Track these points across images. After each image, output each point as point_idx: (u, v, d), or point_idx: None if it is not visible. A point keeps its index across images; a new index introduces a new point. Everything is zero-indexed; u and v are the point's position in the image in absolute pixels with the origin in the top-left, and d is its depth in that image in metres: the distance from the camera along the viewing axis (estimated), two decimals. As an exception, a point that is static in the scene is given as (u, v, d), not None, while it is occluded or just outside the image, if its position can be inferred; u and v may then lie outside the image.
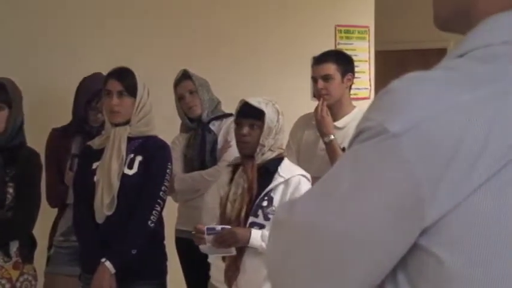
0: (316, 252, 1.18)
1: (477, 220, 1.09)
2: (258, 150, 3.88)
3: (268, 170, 3.88)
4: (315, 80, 4.66)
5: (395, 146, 1.10)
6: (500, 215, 1.09)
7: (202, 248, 3.88)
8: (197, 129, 4.94)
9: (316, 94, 4.70)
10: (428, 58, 9.14)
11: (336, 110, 4.61)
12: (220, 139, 4.89)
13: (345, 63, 4.69)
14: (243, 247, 3.77)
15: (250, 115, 3.88)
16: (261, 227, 3.77)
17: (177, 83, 4.96)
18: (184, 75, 4.94)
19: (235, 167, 4.03)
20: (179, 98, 4.94)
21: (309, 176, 3.91)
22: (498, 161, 1.09)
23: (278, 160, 3.93)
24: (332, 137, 4.46)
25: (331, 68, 4.60)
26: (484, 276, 1.10)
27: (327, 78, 4.58)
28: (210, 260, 4.05)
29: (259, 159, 3.90)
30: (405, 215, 1.11)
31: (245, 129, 3.87)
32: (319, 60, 4.68)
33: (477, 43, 1.19)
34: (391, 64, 8.92)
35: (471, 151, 1.08)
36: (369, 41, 7.31)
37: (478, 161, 1.08)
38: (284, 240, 1.25)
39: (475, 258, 1.10)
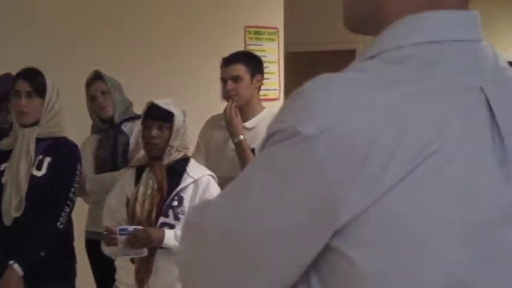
0: (229, 255, 1.18)
1: (390, 220, 1.10)
2: (166, 151, 3.89)
3: (176, 170, 3.90)
4: (224, 80, 4.67)
5: (308, 148, 1.10)
6: (412, 216, 1.10)
7: (109, 251, 3.86)
8: (109, 130, 4.90)
9: (226, 95, 4.71)
10: (338, 59, 9.24)
11: (246, 110, 4.62)
12: (132, 140, 4.85)
13: (254, 64, 4.71)
14: (154, 248, 3.77)
15: (158, 117, 3.88)
16: (172, 227, 3.78)
17: (89, 84, 4.90)
18: (96, 76, 4.89)
19: (138, 168, 4.01)
20: (91, 99, 4.89)
21: (215, 176, 3.95)
22: (411, 162, 1.09)
23: (185, 160, 3.96)
24: (241, 137, 4.47)
25: (240, 69, 4.61)
26: (396, 276, 1.11)
27: (236, 79, 4.59)
28: (116, 262, 4.02)
29: (167, 159, 3.90)
30: (319, 217, 1.11)
31: (154, 131, 3.87)
32: (228, 61, 4.69)
33: (388, 45, 1.20)
34: (301, 65, 9.01)
35: (384, 152, 1.09)
36: (278, 42, 7.35)
37: (390, 162, 1.09)
38: (196, 244, 1.25)
39: (387, 258, 1.11)
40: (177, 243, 3.66)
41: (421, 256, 1.11)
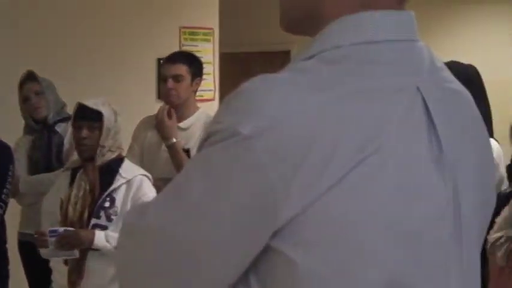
0: (168, 256, 1.17)
1: (329, 220, 1.10)
2: (98, 151, 3.87)
3: (110, 171, 3.88)
4: (164, 78, 4.66)
5: (248, 148, 1.09)
6: (351, 215, 1.11)
7: (43, 252, 3.83)
8: (42, 131, 4.85)
9: (164, 93, 4.71)
10: (273, 60, 9.29)
11: (181, 111, 4.62)
12: (66, 141, 4.81)
13: (196, 67, 4.73)
14: (86, 249, 3.74)
15: (87, 117, 3.86)
16: (104, 228, 3.76)
17: (22, 84, 4.84)
18: (30, 77, 4.83)
19: (74, 170, 3.98)
20: (24, 100, 4.83)
21: (150, 176, 3.94)
22: (349, 161, 1.10)
23: (119, 160, 3.94)
24: (174, 140, 4.48)
25: (183, 69, 4.62)
26: (335, 275, 1.12)
27: (177, 78, 4.59)
28: (51, 264, 3.98)
29: (100, 160, 3.88)
30: (258, 217, 1.11)
31: (84, 132, 3.85)
32: (172, 59, 4.69)
33: (326, 45, 1.20)
34: (237, 66, 9.02)
35: (322, 151, 1.09)
36: (213, 42, 7.35)
37: (329, 162, 1.09)
38: (135, 245, 1.23)
39: (327, 258, 1.11)
40: (107, 244, 3.67)
41: (361, 256, 1.12)
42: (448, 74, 1.32)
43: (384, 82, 1.18)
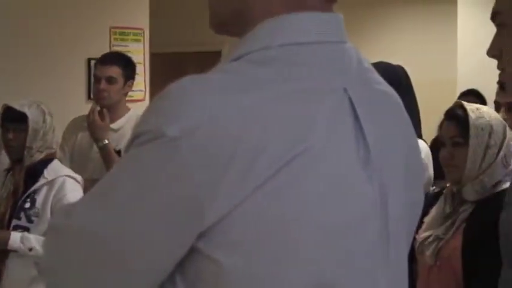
0: (95, 255, 1.17)
1: (257, 221, 1.11)
2: (25, 153, 3.86)
3: (35, 172, 3.88)
4: (97, 79, 4.63)
5: (174, 149, 1.10)
6: (278, 216, 1.11)
7: None
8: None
9: (95, 94, 4.69)
10: (205, 61, 9.23)
11: (112, 112, 4.60)
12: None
13: (130, 69, 4.73)
14: (5, 250, 3.73)
15: (13, 119, 3.87)
16: (25, 229, 3.76)
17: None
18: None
19: (7, 171, 3.99)
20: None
21: (78, 177, 3.93)
22: (276, 162, 1.10)
23: (47, 161, 3.93)
24: (106, 141, 4.45)
25: (116, 71, 4.61)
26: (263, 277, 1.12)
27: (110, 80, 4.58)
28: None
29: (28, 161, 3.88)
30: (184, 218, 1.11)
31: (10, 134, 3.86)
32: (106, 61, 4.68)
33: (254, 46, 1.21)
34: (167, 66, 8.98)
35: (249, 153, 1.09)
36: (143, 43, 7.30)
37: (255, 163, 1.09)
38: (61, 245, 1.22)
39: (254, 259, 1.12)
40: (21, 246, 3.67)
41: (288, 257, 1.13)
42: (376, 76, 1.34)
43: (311, 83, 1.19)
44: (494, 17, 1.77)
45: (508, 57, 1.75)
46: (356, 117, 1.21)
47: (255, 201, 1.10)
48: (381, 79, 1.35)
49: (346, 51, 1.27)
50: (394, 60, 4.00)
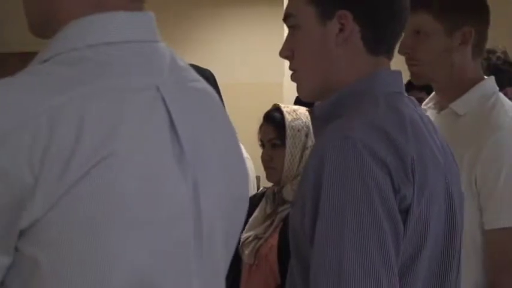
0: None
1: (71, 220, 1.11)
2: None
3: None
4: None
5: None
6: (93, 216, 1.12)
7: None
8: None
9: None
10: (27, 61, 9.01)
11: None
12: None
13: None
14: None
15: None
16: None
17: None
18: None
19: None
20: None
21: None
22: (88, 161, 1.11)
23: None
24: None
25: None
26: (79, 276, 1.12)
27: None
28: None
29: None
30: (5, 218, 1.10)
31: None
32: None
33: (62, 47, 1.21)
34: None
35: (63, 152, 1.09)
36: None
37: (70, 162, 1.10)
38: None
39: (70, 258, 1.12)
40: None
41: (104, 256, 1.13)
42: (191, 74, 1.35)
43: (123, 82, 1.19)
44: (287, 19, 1.79)
45: (300, 58, 1.79)
46: (170, 116, 1.22)
47: (68, 202, 1.10)
48: (197, 77, 1.36)
49: (158, 50, 1.28)
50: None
